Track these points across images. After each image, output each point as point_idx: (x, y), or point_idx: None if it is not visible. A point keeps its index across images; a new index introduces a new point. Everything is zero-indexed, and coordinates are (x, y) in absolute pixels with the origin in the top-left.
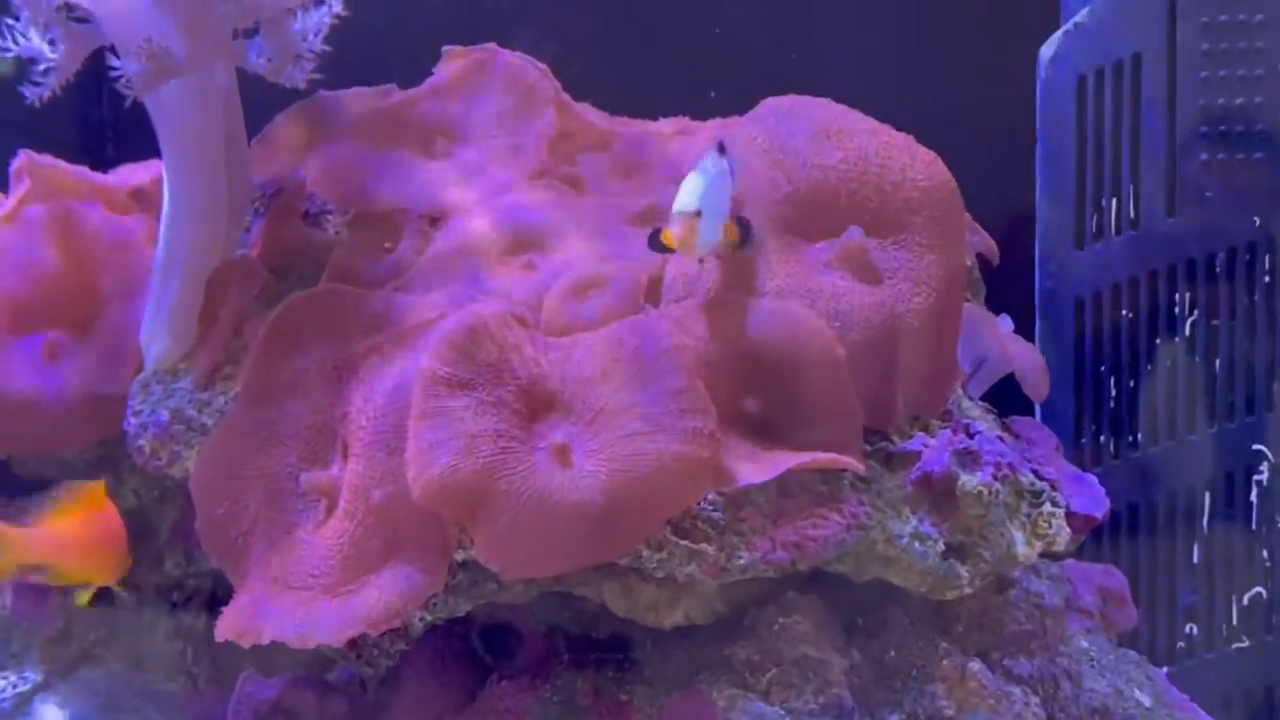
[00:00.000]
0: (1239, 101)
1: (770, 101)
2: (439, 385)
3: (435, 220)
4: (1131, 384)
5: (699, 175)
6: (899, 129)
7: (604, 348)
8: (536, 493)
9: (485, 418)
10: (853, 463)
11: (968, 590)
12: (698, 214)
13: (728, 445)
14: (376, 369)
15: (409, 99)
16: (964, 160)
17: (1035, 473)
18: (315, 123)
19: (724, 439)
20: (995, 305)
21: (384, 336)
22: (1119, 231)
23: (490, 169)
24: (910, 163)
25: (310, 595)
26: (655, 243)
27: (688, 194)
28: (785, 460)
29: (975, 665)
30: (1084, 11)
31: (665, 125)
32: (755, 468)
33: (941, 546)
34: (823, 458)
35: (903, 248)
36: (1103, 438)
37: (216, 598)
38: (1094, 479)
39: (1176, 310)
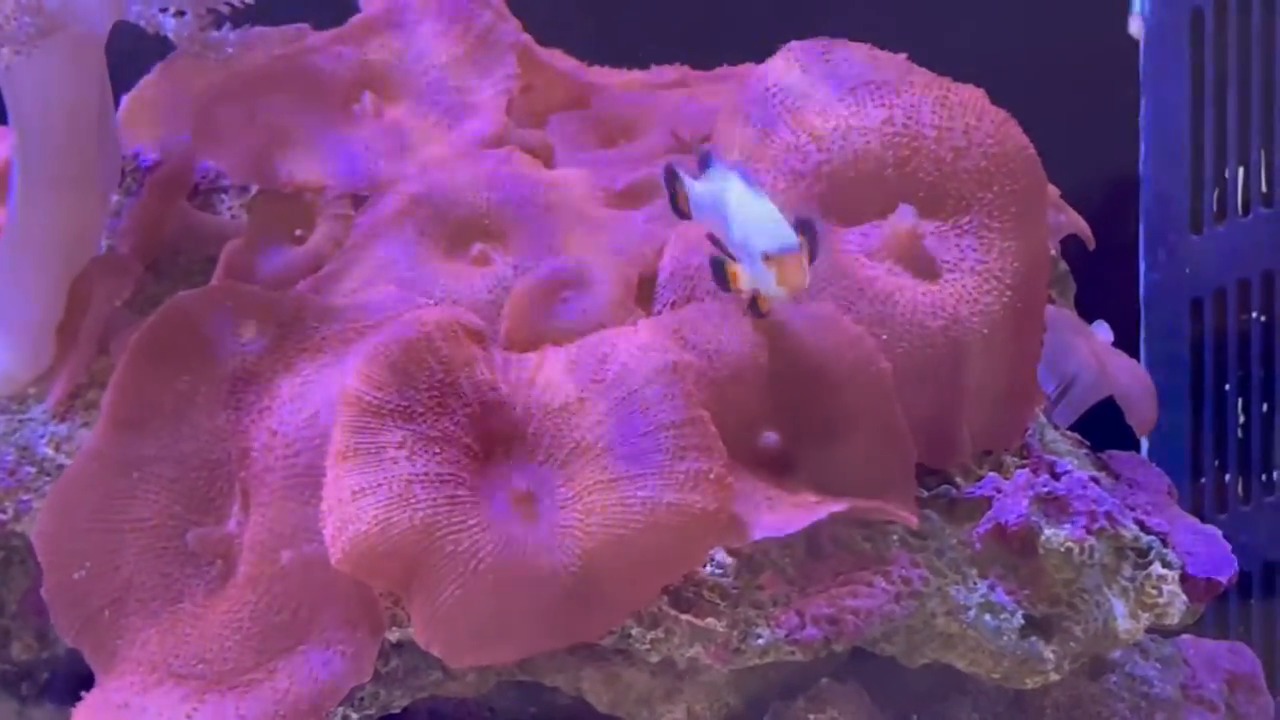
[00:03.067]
0: None
1: (795, 46)
2: (367, 415)
3: (361, 199)
4: (1265, 408)
5: (745, 192)
6: (959, 80)
7: (581, 368)
8: (492, 555)
9: (426, 457)
10: (903, 514)
11: (1054, 677)
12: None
13: (741, 490)
14: (286, 393)
15: (327, 42)
16: (1046, 121)
17: (1141, 524)
18: (204, 74)
19: (736, 482)
20: (1088, 308)
21: (295, 350)
22: (1246, 210)
23: (433, 133)
24: (976, 124)
25: (200, 686)
26: (721, 278)
27: (775, 224)
28: (815, 508)
29: None
30: None
31: (658, 75)
32: (776, 518)
33: (1020, 620)
34: (864, 506)
35: (967, 232)
36: (1228, 477)
37: (79, 688)
38: (1217, 531)
39: None
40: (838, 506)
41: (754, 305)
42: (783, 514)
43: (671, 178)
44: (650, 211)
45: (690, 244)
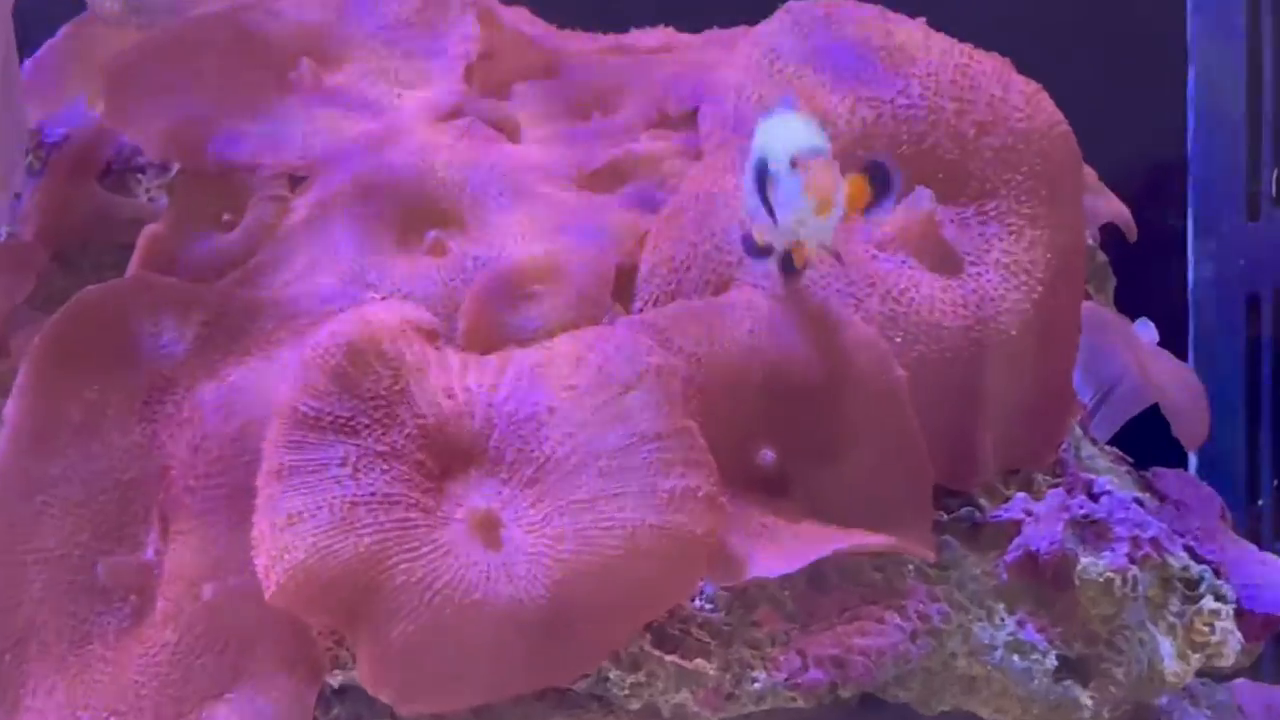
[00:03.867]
0: None
1: (794, 6)
2: (304, 428)
3: (298, 180)
4: None
5: (789, 116)
6: (985, 48)
7: (551, 371)
8: (449, 586)
9: (372, 476)
10: (918, 548)
11: None
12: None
13: (734, 516)
14: (211, 403)
15: (258, 0)
16: (1081, 93)
17: (1190, 551)
18: (119, 37)
19: (729, 506)
20: (1130, 305)
21: (221, 354)
22: None
23: (380, 104)
24: (1003, 95)
25: None
26: (751, 247)
27: (802, 128)
28: (819, 544)
29: None
30: None
31: (639, 40)
32: (775, 552)
33: (1053, 661)
34: (873, 541)
35: (992, 219)
36: None
37: None
38: (1277, 561)
39: None
40: (843, 543)
41: (787, 260)
42: (782, 548)
43: (747, 239)
44: (629, 194)
45: (676, 231)
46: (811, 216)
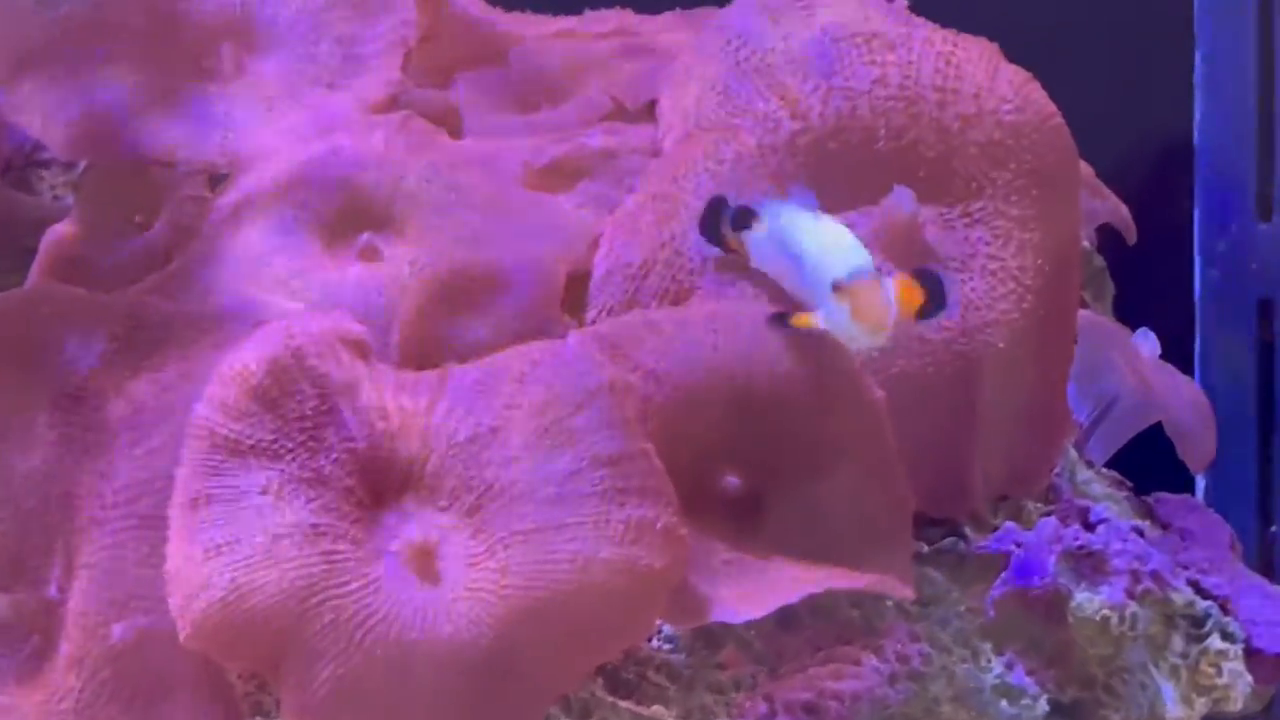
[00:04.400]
0: None
1: None
2: (222, 452)
3: (219, 178)
4: None
5: (814, 218)
6: (971, 34)
7: (494, 389)
8: (382, 625)
9: (297, 505)
10: (897, 586)
11: None
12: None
13: (695, 550)
14: (120, 424)
15: None
16: (1077, 82)
17: (1195, 585)
18: (19, 20)
19: (690, 538)
20: (1131, 313)
21: (132, 370)
22: None
23: (308, 94)
24: (990, 86)
25: None
26: (783, 324)
27: (846, 246)
28: (788, 585)
29: None
30: None
31: (593, 23)
32: (740, 593)
33: (1044, 707)
34: (848, 582)
35: (979, 221)
36: None
37: None
38: None
39: None
40: (815, 586)
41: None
42: (748, 589)
43: (716, 212)
44: (582, 193)
45: (633, 235)
46: (864, 338)
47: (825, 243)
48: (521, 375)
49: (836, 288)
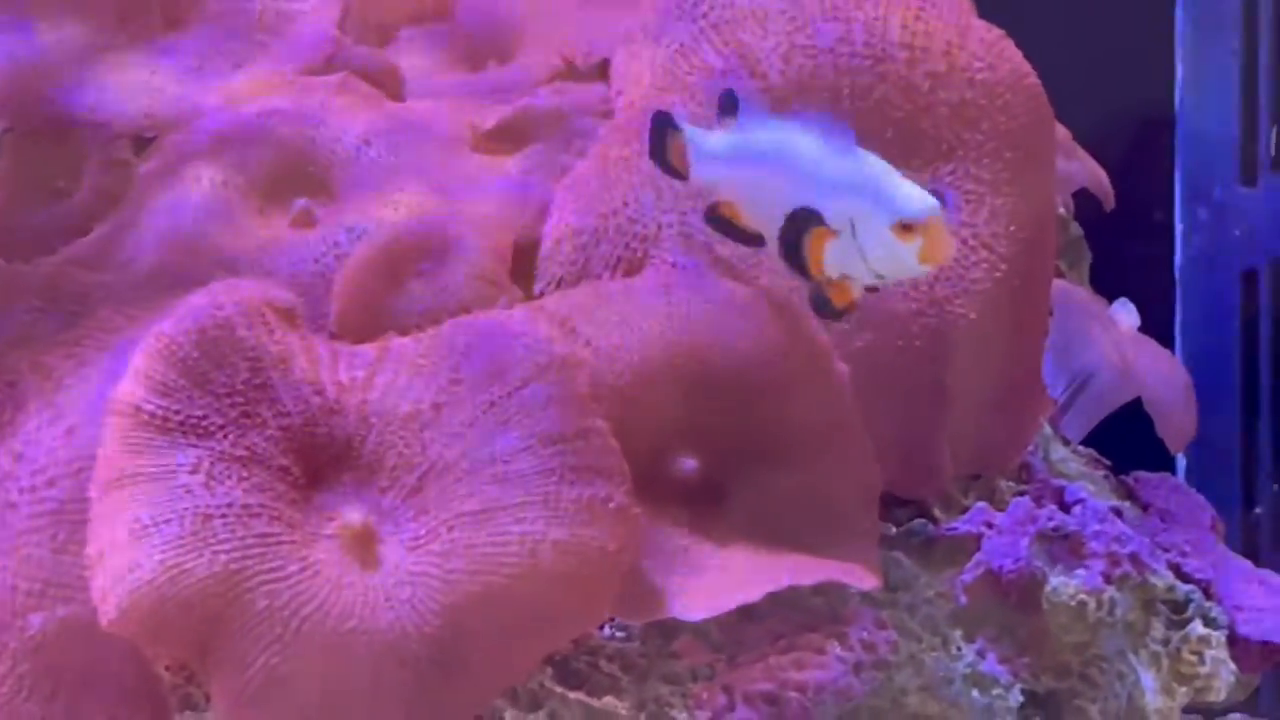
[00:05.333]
0: None
1: None
2: (148, 429)
3: (145, 142)
4: None
5: (825, 145)
6: None
7: (436, 362)
8: (319, 612)
9: (229, 484)
10: (862, 575)
11: None
12: None
13: (650, 535)
14: (35, 402)
15: None
16: (1054, 41)
17: (1176, 569)
18: None
19: (645, 523)
20: (1109, 283)
21: (49, 344)
22: None
23: (240, 53)
24: (959, 43)
25: None
26: (795, 258)
27: (903, 182)
28: (748, 581)
29: None
30: None
31: None
32: (697, 587)
33: (1017, 697)
34: (812, 574)
35: (950, 186)
36: None
37: None
38: (1276, 578)
39: None
40: (776, 583)
41: (822, 300)
42: (705, 582)
43: (663, 126)
44: (531, 158)
45: (584, 201)
46: (910, 274)
47: (876, 173)
48: (466, 348)
49: (907, 226)
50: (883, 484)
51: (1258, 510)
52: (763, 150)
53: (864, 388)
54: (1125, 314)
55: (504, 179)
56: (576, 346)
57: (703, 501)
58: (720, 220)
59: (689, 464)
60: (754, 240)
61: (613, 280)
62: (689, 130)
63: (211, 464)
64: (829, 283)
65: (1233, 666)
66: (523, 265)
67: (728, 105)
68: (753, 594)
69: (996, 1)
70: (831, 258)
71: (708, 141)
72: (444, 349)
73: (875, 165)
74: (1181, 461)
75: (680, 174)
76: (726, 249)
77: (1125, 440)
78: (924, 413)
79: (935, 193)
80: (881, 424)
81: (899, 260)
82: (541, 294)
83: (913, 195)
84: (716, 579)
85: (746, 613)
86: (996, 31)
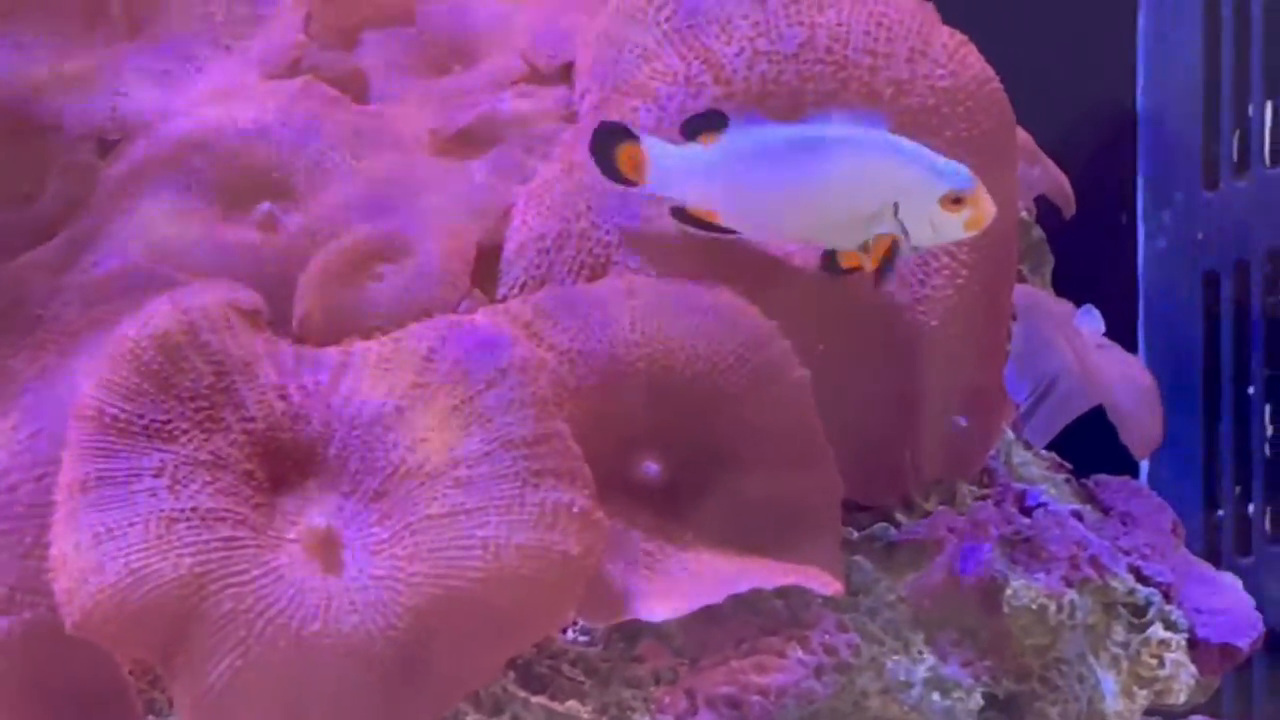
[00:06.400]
0: None
1: None
2: (111, 433)
3: (110, 145)
4: None
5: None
6: None
7: (398, 366)
8: (282, 616)
9: (193, 488)
10: (824, 580)
11: None
12: None
13: (614, 539)
14: (1, 407)
15: None
16: (1017, 46)
17: (1136, 572)
18: None
19: (608, 526)
20: (1072, 288)
21: (10, 348)
22: (1276, 159)
23: (205, 56)
24: (922, 49)
25: None
26: (832, 264)
27: (935, 154)
28: (710, 583)
29: None
30: None
31: None
32: (659, 589)
33: (978, 700)
34: (774, 577)
35: None
36: (1253, 508)
37: None
38: (1236, 582)
39: None
40: (738, 585)
41: (832, 263)
42: (668, 584)
43: (610, 135)
44: (494, 162)
45: (547, 206)
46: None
47: (906, 148)
48: (429, 352)
49: (957, 200)
50: (845, 489)
51: (1220, 513)
52: (776, 152)
53: (825, 392)
54: (1089, 320)
55: (467, 183)
56: (540, 350)
57: (666, 505)
58: (688, 217)
59: (652, 467)
60: (729, 231)
61: (576, 284)
62: (648, 139)
63: (175, 468)
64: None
65: (1193, 669)
66: (486, 269)
67: (714, 122)
68: (715, 595)
69: (959, 7)
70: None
71: (664, 152)
72: (406, 353)
73: (906, 147)
74: (1144, 464)
75: (630, 181)
76: (690, 256)
77: (1088, 444)
78: (886, 418)
79: None
80: (843, 429)
81: (945, 232)
82: (504, 298)
83: (956, 168)
84: (679, 581)
85: (709, 616)
86: (959, 38)
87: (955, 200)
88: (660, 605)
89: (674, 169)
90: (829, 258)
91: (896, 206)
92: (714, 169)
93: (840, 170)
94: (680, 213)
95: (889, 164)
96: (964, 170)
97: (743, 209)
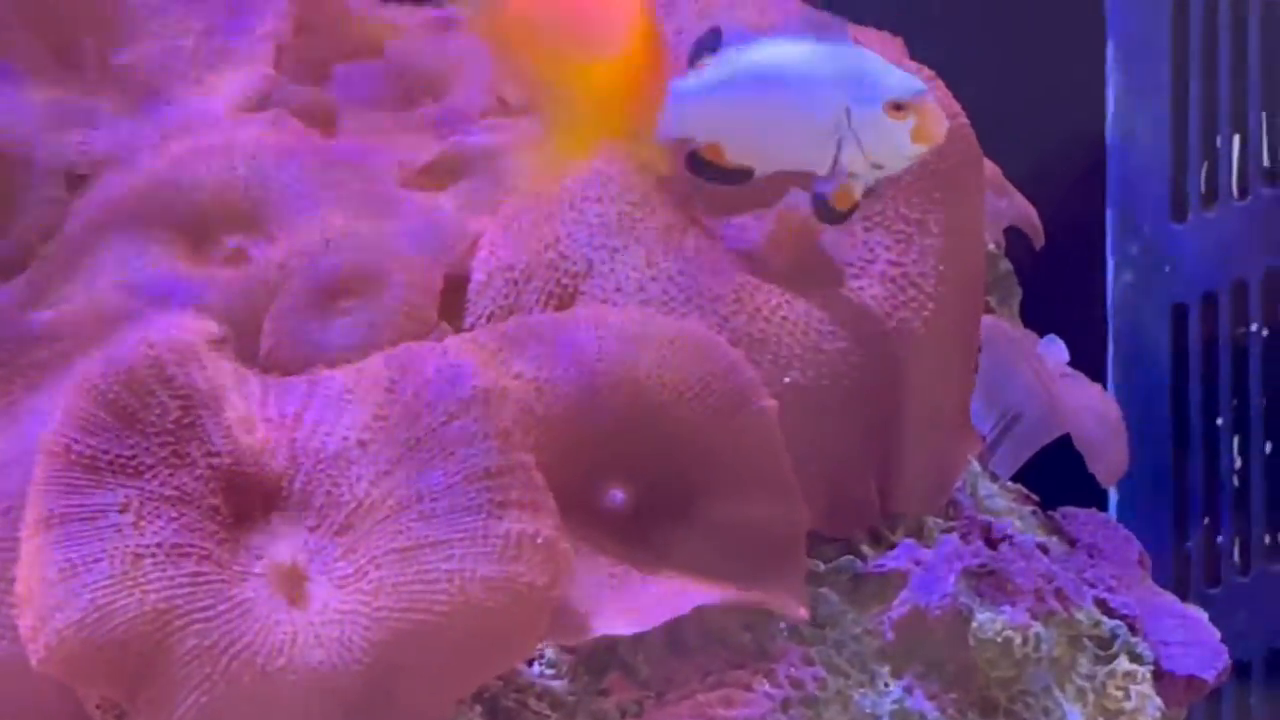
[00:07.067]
0: None
1: None
2: (77, 469)
3: (78, 179)
4: (1269, 447)
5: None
6: (874, 24)
7: (362, 398)
8: (248, 650)
9: (159, 523)
10: (789, 602)
11: None
12: None
13: (580, 564)
14: None
15: None
16: (984, 78)
17: (1102, 604)
18: None
19: (575, 553)
20: (1040, 319)
21: None
22: (1244, 192)
23: (174, 89)
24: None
25: None
26: (825, 211)
27: (887, 65)
28: (677, 597)
29: None
30: None
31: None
32: (625, 606)
33: None
34: (739, 596)
35: (877, 225)
36: (1221, 539)
37: None
38: (1202, 614)
39: None
40: (706, 597)
41: (824, 204)
42: (634, 601)
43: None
44: (463, 193)
45: (515, 236)
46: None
47: (857, 59)
48: (391, 383)
49: (899, 106)
50: (810, 520)
51: (1188, 544)
52: (748, 71)
53: (791, 423)
54: (1053, 349)
55: (435, 215)
56: (506, 379)
57: (633, 533)
58: (702, 164)
59: (619, 495)
60: (741, 177)
61: (543, 314)
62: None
63: (141, 503)
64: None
65: (1159, 701)
66: (453, 300)
67: (709, 44)
68: (681, 608)
69: (927, 40)
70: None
71: (680, 86)
72: (369, 384)
73: (862, 55)
74: (1113, 496)
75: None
76: (658, 286)
77: (1055, 476)
78: (851, 449)
79: None
80: (809, 460)
81: (894, 142)
82: (471, 328)
83: (901, 76)
84: (644, 598)
85: (675, 649)
86: (926, 72)
87: (897, 107)
88: (627, 620)
89: (678, 98)
90: (821, 202)
91: (849, 113)
92: (709, 90)
93: (807, 79)
94: (693, 160)
95: (842, 69)
96: (913, 80)
97: (737, 131)
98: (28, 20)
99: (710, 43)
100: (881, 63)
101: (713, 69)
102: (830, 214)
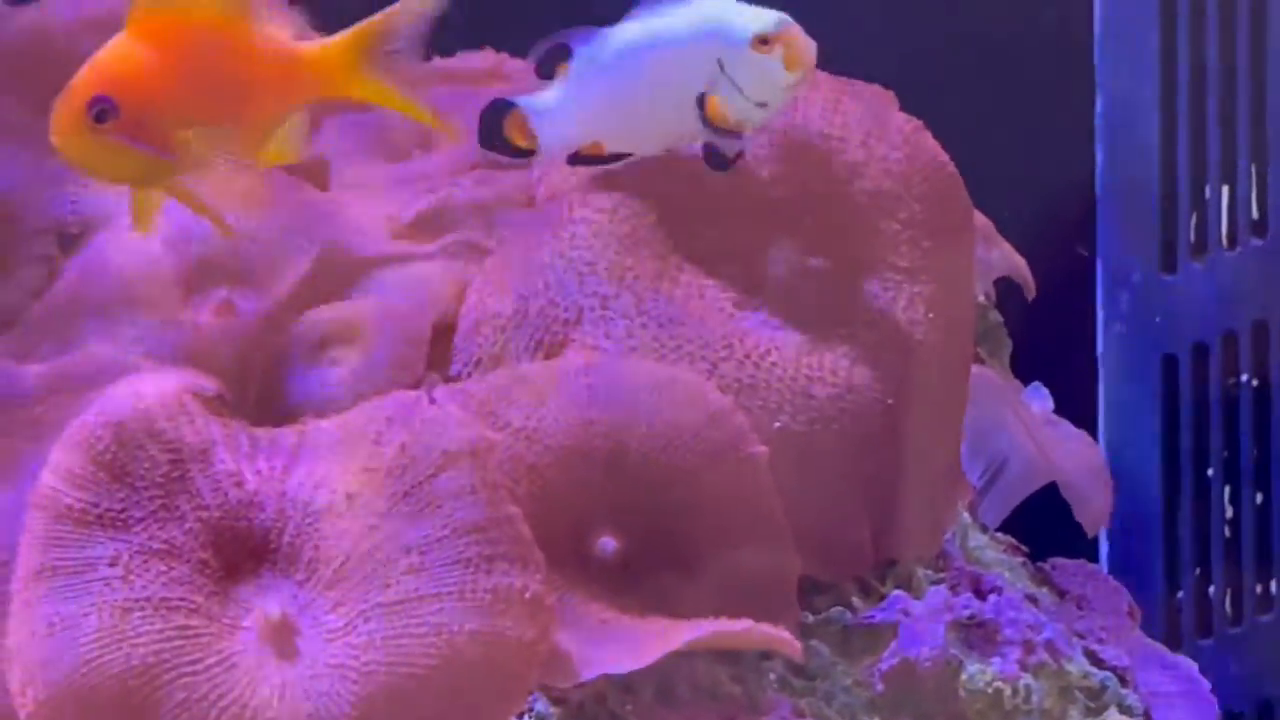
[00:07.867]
0: None
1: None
2: (66, 522)
3: (71, 237)
4: (1259, 498)
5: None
6: (863, 76)
7: (350, 450)
8: (237, 704)
9: (148, 577)
10: (781, 637)
11: None
12: None
13: (567, 614)
14: None
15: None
16: (975, 129)
17: (1092, 656)
18: None
19: (561, 604)
20: (1030, 369)
21: None
22: (1233, 243)
23: None
24: (878, 132)
25: None
26: (715, 159)
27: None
28: (667, 636)
29: None
30: None
31: (466, 65)
32: (615, 649)
33: None
34: (732, 627)
35: (868, 273)
36: (1213, 590)
37: None
38: (1192, 665)
39: None
40: (696, 631)
41: (713, 153)
42: (624, 643)
43: (498, 111)
44: (451, 244)
45: (503, 285)
46: (792, 88)
47: (709, 12)
48: (378, 436)
49: (764, 40)
50: (802, 566)
51: (1179, 595)
52: (609, 70)
53: (781, 470)
54: (1037, 398)
55: (423, 266)
56: (494, 428)
57: (623, 581)
58: (586, 159)
59: (609, 544)
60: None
61: (532, 363)
62: (522, 101)
63: (130, 557)
64: (721, 134)
65: None
66: (441, 349)
67: (559, 55)
68: (674, 644)
69: (916, 92)
70: (724, 108)
71: (542, 101)
72: (357, 435)
73: (710, 5)
74: (1104, 546)
75: (531, 150)
76: (648, 333)
77: (1044, 526)
78: (843, 494)
79: None
80: (800, 507)
81: (769, 77)
82: (458, 376)
83: (757, 11)
84: (637, 638)
85: (665, 700)
86: (915, 122)
87: (763, 41)
88: (619, 660)
89: (549, 116)
90: (710, 152)
91: (721, 65)
92: (575, 99)
93: (667, 48)
94: (576, 158)
95: (698, 27)
96: (769, 14)
97: (613, 126)
98: (15, 80)
99: (560, 55)
100: (733, 5)
101: (574, 78)
102: (718, 161)
